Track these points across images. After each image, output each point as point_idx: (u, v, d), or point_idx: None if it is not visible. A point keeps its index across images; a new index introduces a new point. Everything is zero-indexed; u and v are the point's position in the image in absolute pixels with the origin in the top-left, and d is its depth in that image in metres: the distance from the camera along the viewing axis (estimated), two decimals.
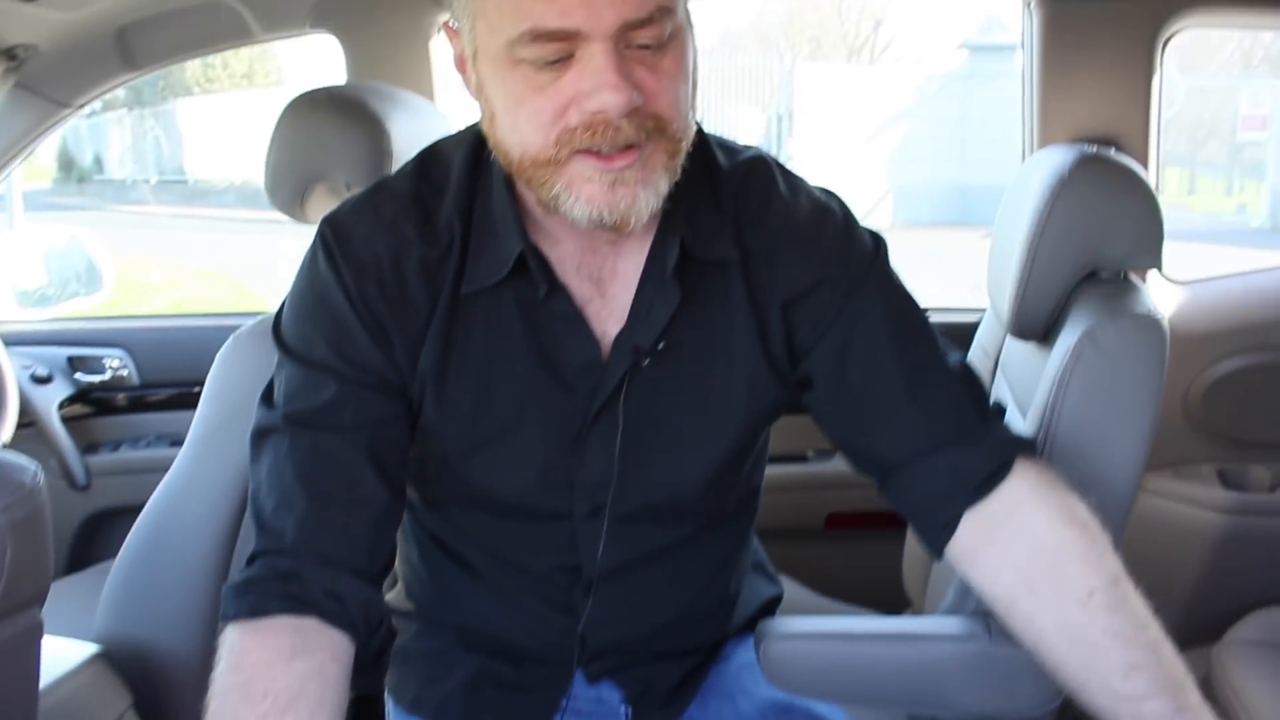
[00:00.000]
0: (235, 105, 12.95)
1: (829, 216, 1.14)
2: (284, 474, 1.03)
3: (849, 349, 1.11)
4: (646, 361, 1.08)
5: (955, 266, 9.54)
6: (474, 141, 1.09)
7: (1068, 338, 1.26)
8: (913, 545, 1.79)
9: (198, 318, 2.59)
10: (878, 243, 1.15)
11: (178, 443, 2.28)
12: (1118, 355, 1.23)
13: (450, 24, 1.03)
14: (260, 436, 1.07)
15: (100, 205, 13.95)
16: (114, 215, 13.26)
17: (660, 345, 1.09)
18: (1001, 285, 1.46)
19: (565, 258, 1.08)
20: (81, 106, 2.15)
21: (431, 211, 1.08)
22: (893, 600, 1.79)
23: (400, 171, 1.13)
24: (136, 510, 2.28)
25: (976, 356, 1.78)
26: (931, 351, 1.13)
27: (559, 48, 0.92)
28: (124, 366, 2.36)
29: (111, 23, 1.97)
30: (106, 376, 2.37)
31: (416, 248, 1.06)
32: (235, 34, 1.98)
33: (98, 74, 2.08)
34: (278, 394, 1.08)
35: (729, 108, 12.11)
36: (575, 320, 1.08)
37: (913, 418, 1.10)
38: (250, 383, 1.38)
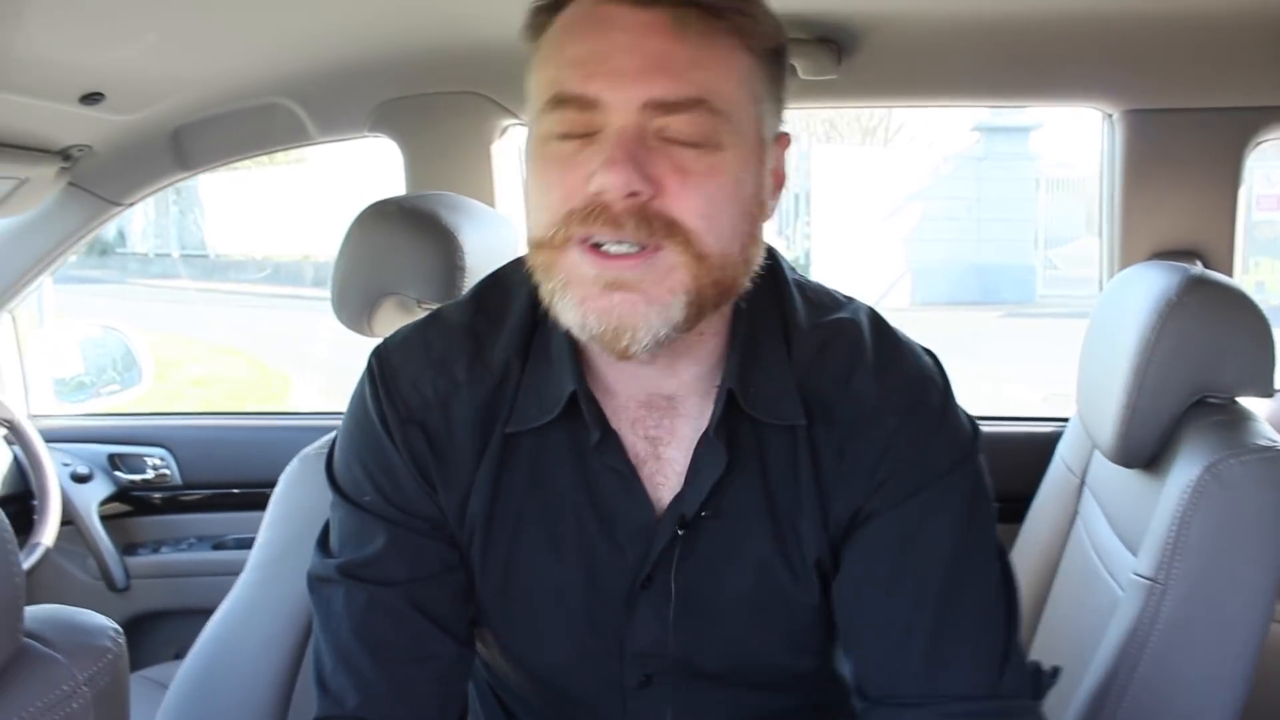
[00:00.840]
0: (257, 182, 13.08)
1: (923, 397, 1.00)
2: (341, 630, 0.99)
3: (891, 543, 0.97)
4: (682, 532, 0.98)
5: (975, 348, 9.58)
6: (519, 287, 1.02)
7: (1186, 471, 1.21)
8: None
9: (240, 416, 2.55)
10: (972, 440, 1.01)
11: (219, 545, 2.27)
12: (1242, 490, 1.18)
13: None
14: (316, 584, 1.03)
15: (122, 279, 14.05)
16: (136, 289, 13.35)
17: (704, 512, 0.98)
18: (1099, 408, 1.41)
19: (620, 410, 1.00)
20: (132, 204, 2.13)
21: (485, 347, 1.01)
22: None
23: (459, 301, 1.08)
24: (176, 614, 2.25)
25: (1058, 473, 1.72)
26: (980, 581, 0.98)
27: (583, 120, 0.86)
28: (165, 465, 2.32)
29: (167, 124, 1.96)
30: (148, 475, 2.33)
31: (465, 390, 1.00)
32: (292, 135, 1.97)
33: (150, 174, 2.07)
34: (333, 539, 1.03)
35: None
36: (629, 478, 0.99)
37: (919, 650, 0.96)
38: (315, 507, 1.32)
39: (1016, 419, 2.11)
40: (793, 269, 1.05)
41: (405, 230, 1.40)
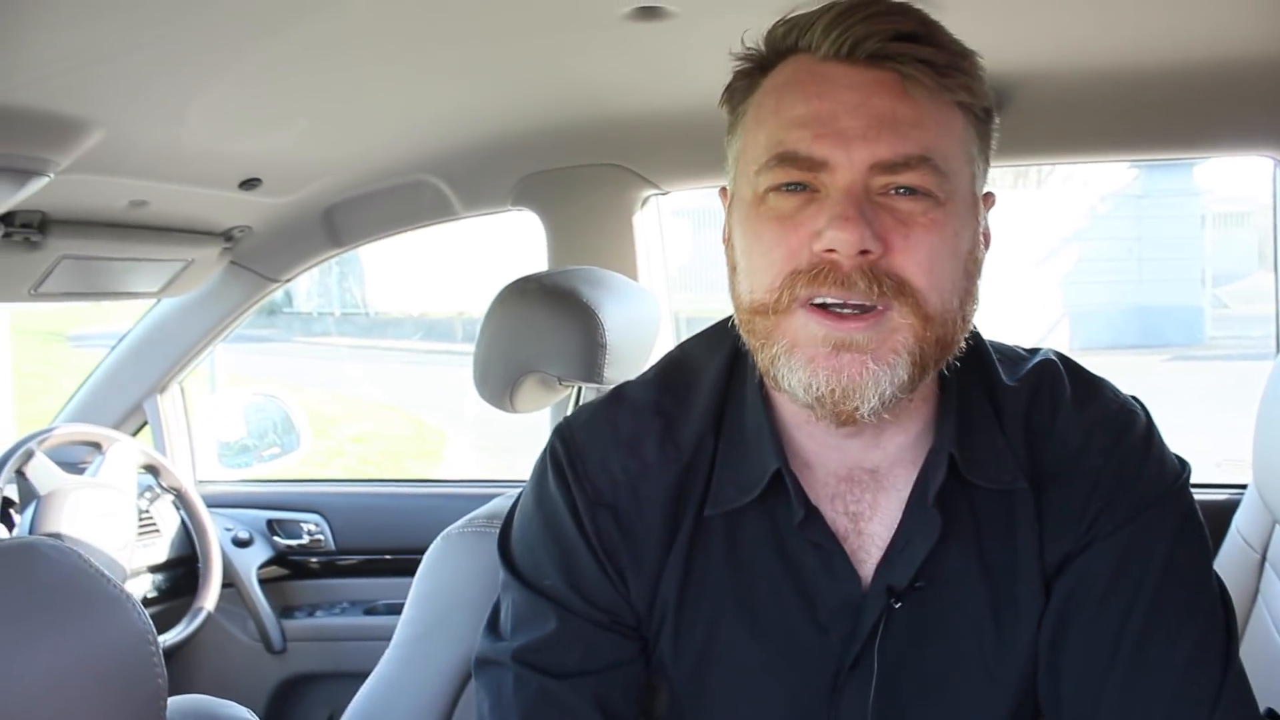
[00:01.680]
0: (412, 241, 13.53)
1: (1130, 426, 0.97)
2: (509, 716, 0.96)
3: (1097, 574, 0.92)
4: (899, 604, 0.93)
5: (1141, 393, 9.12)
6: (732, 346, 1.00)
7: None
8: None
9: (391, 484, 2.62)
10: (1179, 473, 0.97)
11: (372, 610, 2.32)
12: None
13: (723, 187, 0.97)
14: (483, 666, 1.00)
15: (288, 337, 14.69)
16: (299, 346, 13.93)
17: (918, 583, 0.93)
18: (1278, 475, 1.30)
19: (819, 487, 0.96)
20: (288, 281, 2.21)
21: (675, 426, 0.98)
22: None
23: (642, 378, 1.05)
24: (331, 677, 2.30)
25: (1235, 547, 1.60)
26: (1190, 614, 0.92)
27: (805, 177, 0.85)
28: (320, 531, 2.39)
29: (319, 204, 2.03)
30: (304, 540, 2.40)
31: (658, 472, 0.97)
32: (437, 211, 2.02)
33: (305, 251, 2.15)
34: (504, 621, 1.01)
35: None
36: (832, 553, 0.94)
37: (1119, 681, 0.90)
38: (459, 586, 1.34)
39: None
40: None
41: (546, 308, 1.41)
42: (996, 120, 0.93)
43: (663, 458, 0.98)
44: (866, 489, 0.96)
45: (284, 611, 2.38)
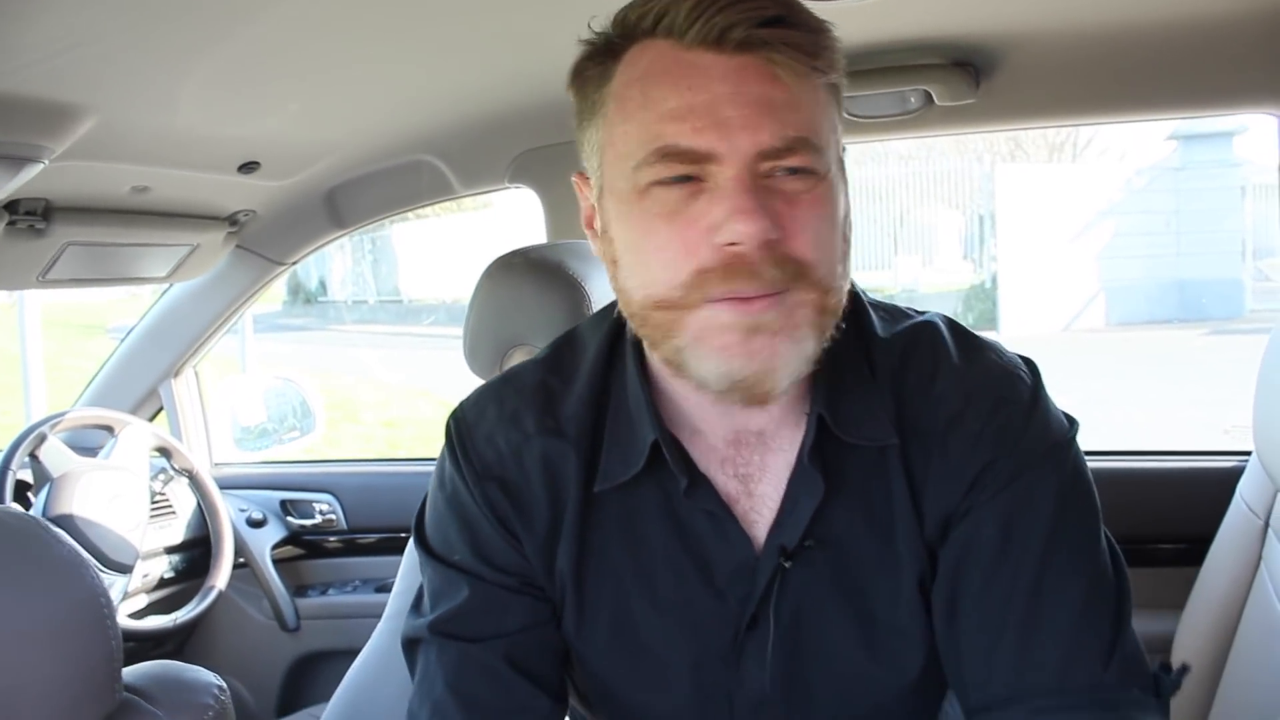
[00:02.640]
0: (445, 229, 13.60)
1: (1011, 390, 0.96)
2: (435, 687, 0.99)
3: (983, 538, 0.93)
4: (789, 562, 0.95)
5: (1177, 371, 9.04)
6: (614, 324, 1.01)
7: None
8: (1176, 714, 1.59)
9: (403, 463, 2.63)
10: (1065, 432, 0.97)
11: (383, 588, 2.34)
12: None
13: (580, 172, 0.95)
14: (410, 646, 1.04)
15: (323, 325, 14.82)
16: (335, 334, 14.06)
17: (807, 542, 0.95)
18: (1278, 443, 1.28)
19: (708, 452, 0.97)
20: (295, 263, 2.24)
21: (556, 401, 1.01)
22: None
23: (532, 360, 1.08)
24: (343, 654, 2.33)
25: (1238, 514, 1.58)
26: (1080, 572, 0.93)
27: (690, 169, 0.83)
28: (332, 511, 2.41)
29: (321, 186, 2.05)
30: (317, 520, 2.43)
31: (537, 442, 1.00)
32: (438, 190, 2.03)
33: (309, 233, 2.17)
34: (425, 600, 1.05)
35: (929, 211, 11.90)
36: (723, 519, 0.96)
37: (1011, 643, 0.91)
38: None
39: (1193, 453, 1.96)
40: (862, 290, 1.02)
41: (532, 281, 1.42)
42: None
43: (541, 429, 1.00)
44: (755, 450, 0.97)
45: (298, 590, 2.41)
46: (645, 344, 0.94)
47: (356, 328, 14.11)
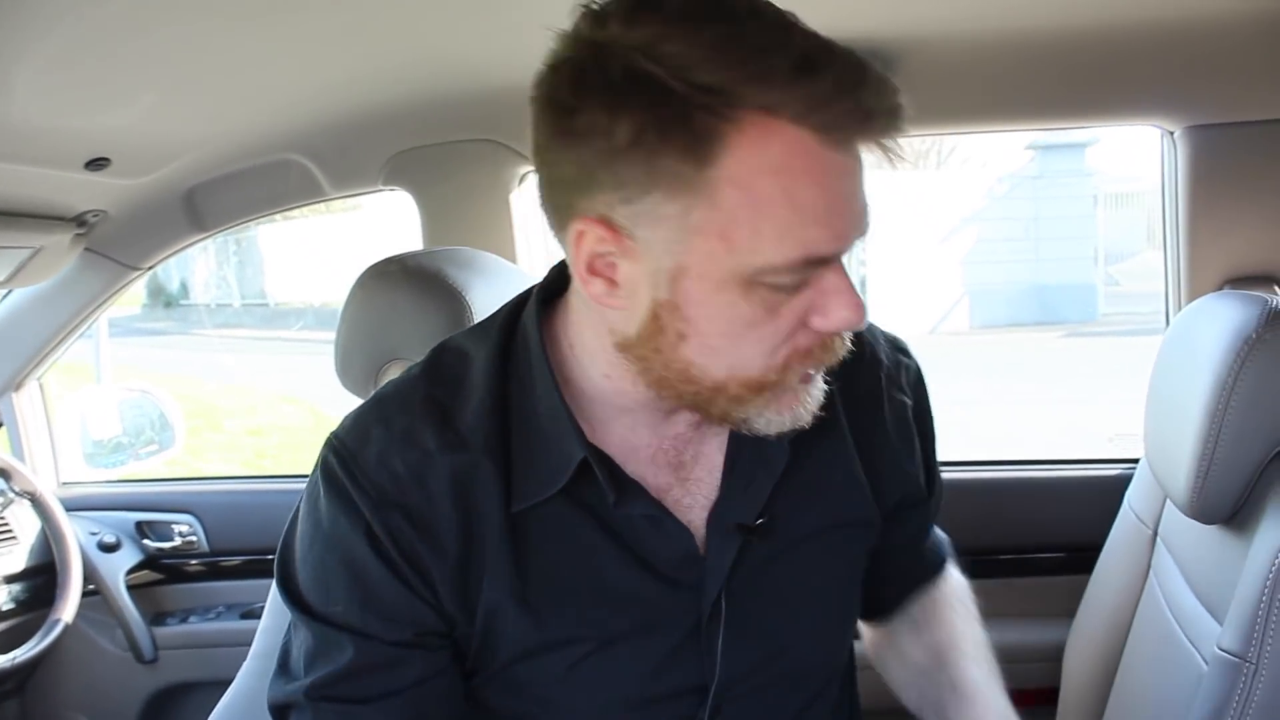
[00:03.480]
0: (313, 230, 13.26)
1: (903, 351, 1.09)
2: None
3: (914, 487, 1.09)
4: (747, 541, 0.95)
5: (1036, 370, 9.38)
6: (500, 339, 0.95)
7: (1274, 532, 1.07)
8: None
9: (270, 480, 2.49)
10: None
11: (249, 614, 2.20)
12: None
13: (602, 217, 0.81)
14: (280, 713, 0.94)
15: (185, 330, 14.32)
16: (197, 339, 13.58)
17: (760, 520, 0.95)
18: (1170, 457, 1.28)
19: (634, 451, 0.94)
20: (151, 268, 2.09)
21: (452, 414, 0.93)
22: None
23: (403, 376, 0.98)
24: (207, 685, 2.18)
25: (1127, 522, 1.58)
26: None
27: (813, 271, 0.81)
28: (193, 532, 2.27)
29: (179, 186, 1.91)
30: (176, 543, 2.27)
31: (441, 461, 0.91)
32: (306, 192, 1.91)
33: (167, 236, 2.03)
34: (295, 660, 0.94)
35: None
36: (659, 517, 0.93)
37: (920, 517, 1.14)
38: None
39: (1081, 461, 1.97)
40: None
41: (409, 291, 1.33)
42: None
43: (444, 444, 0.91)
44: (690, 442, 0.96)
45: (155, 618, 2.25)
46: (679, 400, 0.89)
47: (220, 332, 13.67)
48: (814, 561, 0.99)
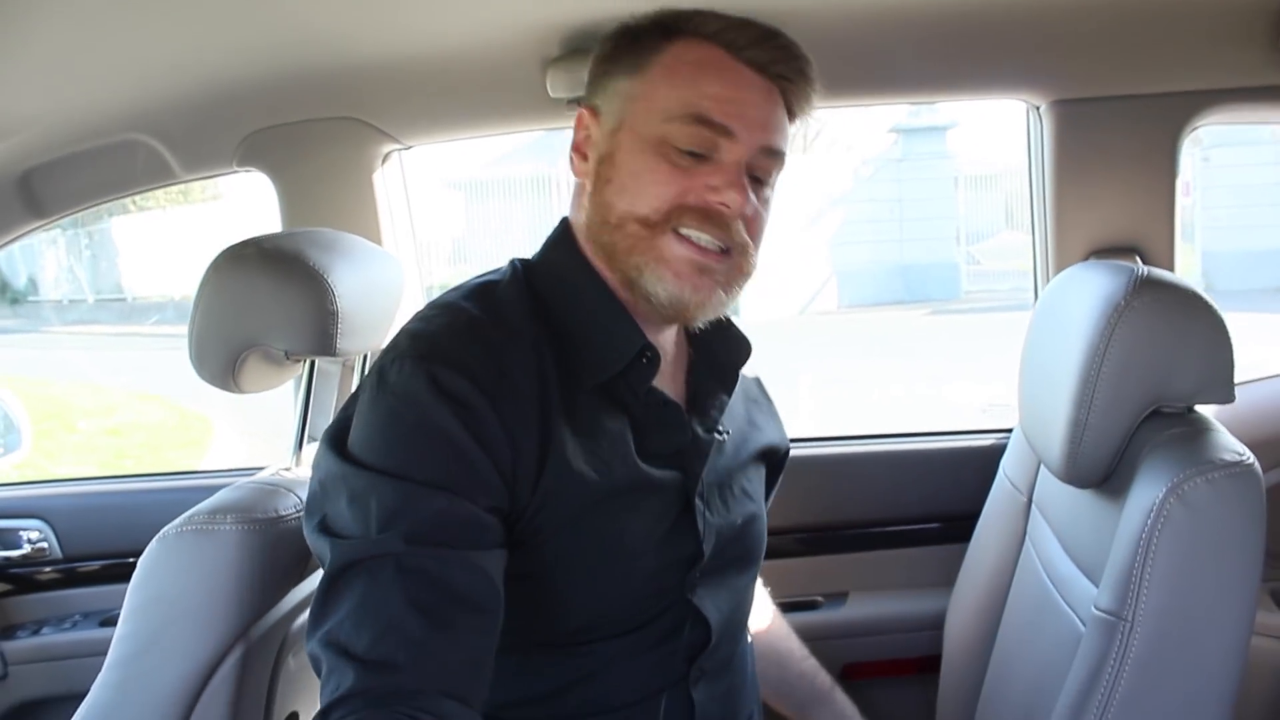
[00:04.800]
0: (171, 221, 12.75)
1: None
2: (386, 602, 0.94)
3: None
4: (721, 436, 1.21)
5: (903, 346, 9.62)
6: (512, 272, 1.16)
7: (1146, 493, 1.09)
8: (949, 689, 1.61)
9: (120, 480, 2.36)
10: None
11: (108, 621, 2.08)
12: (1211, 512, 1.06)
13: (589, 105, 1.15)
14: (343, 573, 0.97)
15: (36, 327, 13.67)
16: (50, 337, 12.98)
17: (721, 428, 1.22)
18: (1043, 423, 1.30)
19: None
20: None
21: (502, 319, 1.09)
22: None
23: (441, 300, 1.12)
24: (63, 700, 2.06)
25: (1003, 490, 1.61)
26: None
27: (706, 141, 1.08)
28: (44, 539, 2.13)
29: (13, 168, 1.78)
30: (25, 550, 2.13)
31: (508, 345, 1.06)
32: (155, 175, 1.80)
33: (1, 223, 1.88)
34: (362, 523, 0.98)
35: None
36: (673, 407, 1.16)
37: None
38: (178, 594, 1.19)
39: (956, 433, 2.01)
40: None
41: (266, 275, 1.27)
42: None
43: (506, 335, 1.07)
44: (670, 361, 1.21)
45: (4, 632, 2.11)
46: (602, 262, 1.13)
47: (73, 328, 13.07)
48: (748, 474, 1.27)
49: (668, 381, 1.19)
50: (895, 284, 11.86)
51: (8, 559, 2.13)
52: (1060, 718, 1.13)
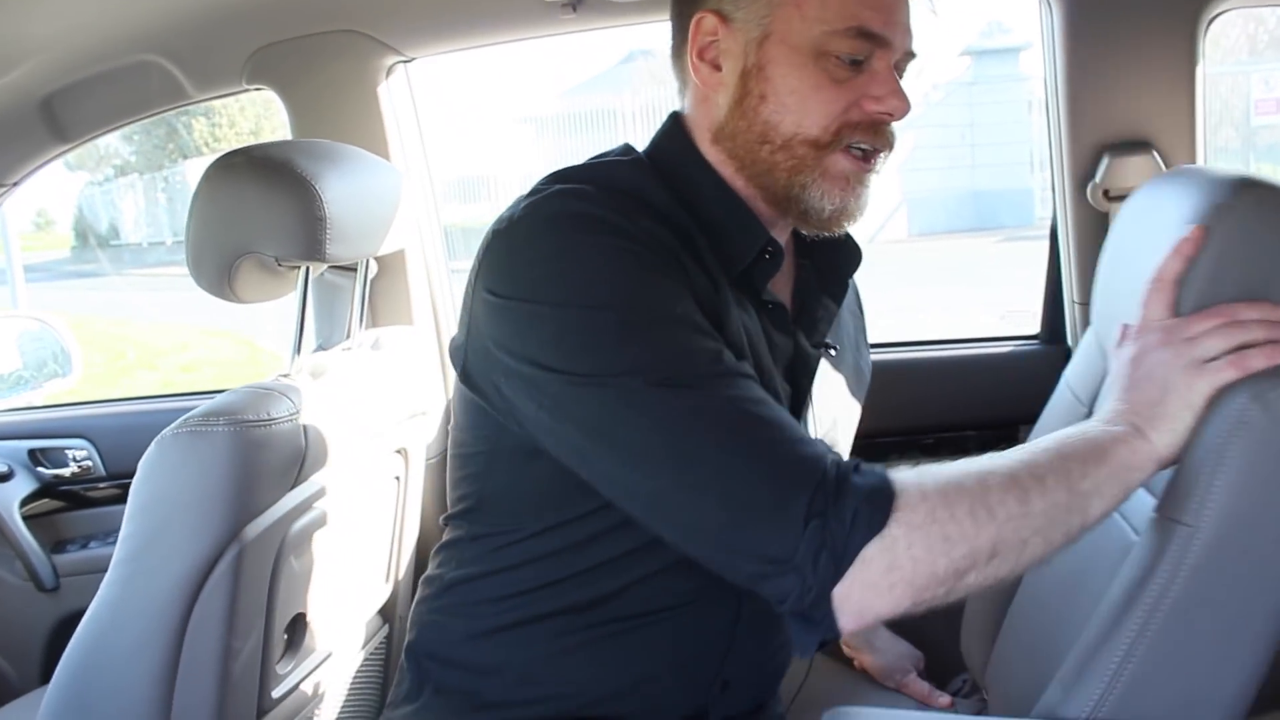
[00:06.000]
0: None
1: None
2: (753, 408, 0.95)
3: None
4: (828, 353, 1.22)
5: (974, 276, 9.44)
6: (646, 163, 1.13)
7: (1226, 398, 1.02)
8: (974, 612, 1.59)
9: (159, 400, 2.42)
10: None
11: None
12: None
13: (714, 8, 1.09)
14: (693, 404, 0.95)
15: (118, 270, 14.02)
16: (130, 279, 13.31)
17: (829, 340, 1.22)
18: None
19: None
20: (16, 184, 2.00)
21: (650, 200, 1.07)
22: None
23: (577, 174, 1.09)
24: None
25: (1063, 402, 1.55)
26: None
27: (866, 49, 1.05)
28: (89, 457, 2.20)
29: (34, 93, 1.81)
30: (73, 469, 2.21)
31: (664, 228, 1.03)
32: (169, 95, 1.82)
33: (27, 149, 1.92)
34: (663, 365, 0.95)
35: None
36: (783, 314, 1.16)
37: None
38: (176, 493, 1.21)
39: (977, 340, 1.98)
40: None
41: (254, 182, 1.28)
42: None
43: (657, 220, 1.04)
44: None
45: (55, 546, 2.19)
46: (732, 167, 1.12)
47: (154, 270, 13.39)
48: (848, 387, 1.28)
49: (779, 287, 1.17)
50: (966, 211, 11.64)
51: (57, 477, 2.21)
52: (1104, 620, 1.07)
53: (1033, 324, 1.94)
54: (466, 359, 1.07)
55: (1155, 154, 1.62)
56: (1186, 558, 0.99)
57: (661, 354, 0.95)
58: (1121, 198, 1.63)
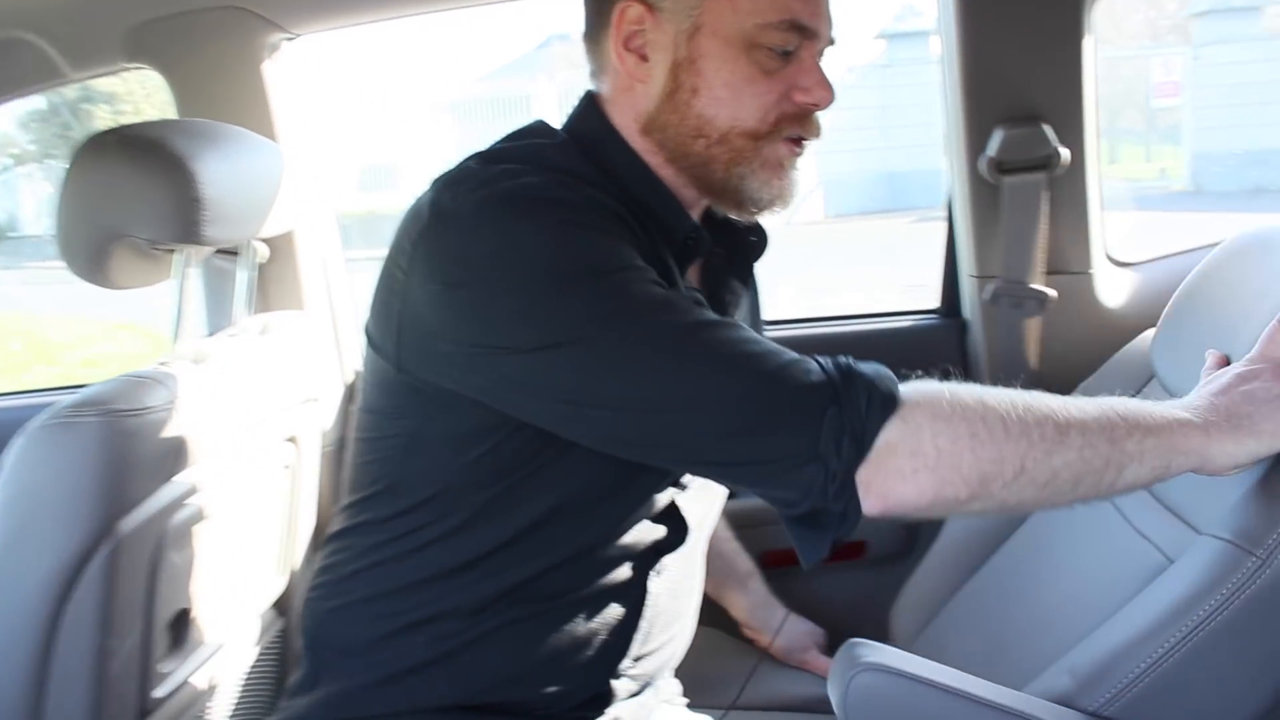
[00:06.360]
0: None
1: None
2: (736, 330, 0.99)
3: None
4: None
5: (888, 256, 9.56)
6: (570, 142, 1.13)
7: None
8: (917, 580, 1.62)
9: (18, 396, 2.32)
10: None
11: None
12: None
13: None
14: (690, 349, 0.98)
15: (17, 264, 13.61)
16: (30, 272, 12.91)
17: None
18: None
19: None
20: None
21: (587, 181, 1.07)
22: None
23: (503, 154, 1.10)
24: None
25: None
26: None
27: (796, 41, 1.07)
28: None
29: None
30: None
31: (606, 199, 1.05)
32: (44, 75, 1.73)
33: None
34: (642, 308, 0.98)
35: None
36: (697, 295, 1.11)
37: None
38: (42, 487, 1.16)
39: (881, 315, 2.01)
40: None
41: (125, 162, 1.23)
42: None
43: (600, 185, 1.07)
44: None
45: None
46: (661, 156, 1.12)
47: (53, 263, 12.95)
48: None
49: (690, 270, 1.18)
50: (881, 193, 11.78)
51: None
52: (1136, 624, 1.04)
53: (932, 298, 1.96)
54: (400, 354, 1.05)
55: (1046, 127, 1.64)
56: (1249, 587, 0.98)
57: (640, 296, 0.98)
58: (1012, 170, 1.65)
